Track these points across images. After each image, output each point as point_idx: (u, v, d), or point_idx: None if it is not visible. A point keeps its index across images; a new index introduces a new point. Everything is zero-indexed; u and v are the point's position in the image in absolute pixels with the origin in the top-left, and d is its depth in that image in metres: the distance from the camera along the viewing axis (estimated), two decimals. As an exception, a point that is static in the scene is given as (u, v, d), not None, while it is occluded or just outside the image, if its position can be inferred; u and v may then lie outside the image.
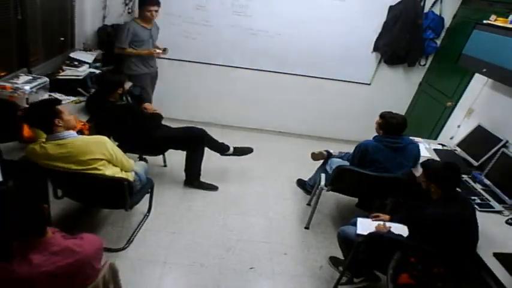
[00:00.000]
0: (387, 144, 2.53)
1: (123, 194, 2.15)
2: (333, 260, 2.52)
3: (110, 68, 3.44)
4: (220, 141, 3.23)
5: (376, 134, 2.65)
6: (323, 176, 2.82)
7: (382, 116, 2.58)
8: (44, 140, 1.99)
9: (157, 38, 3.64)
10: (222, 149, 3.23)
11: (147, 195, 2.57)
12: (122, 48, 3.37)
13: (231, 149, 3.25)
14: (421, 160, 2.54)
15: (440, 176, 1.91)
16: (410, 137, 2.72)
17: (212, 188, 3.22)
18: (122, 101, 2.86)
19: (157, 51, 3.48)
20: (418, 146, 2.68)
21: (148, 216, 2.73)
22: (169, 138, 2.99)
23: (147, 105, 3.13)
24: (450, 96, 3.60)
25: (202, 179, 3.20)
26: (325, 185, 2.73)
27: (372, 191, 2.74)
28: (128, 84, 3.11)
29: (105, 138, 2.08)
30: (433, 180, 1.93)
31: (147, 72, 3.62)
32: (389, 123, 2.53)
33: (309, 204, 3.17)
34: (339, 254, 2.44)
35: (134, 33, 3.33)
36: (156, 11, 3.36)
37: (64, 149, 1.94)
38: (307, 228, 2.89)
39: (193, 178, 3.17)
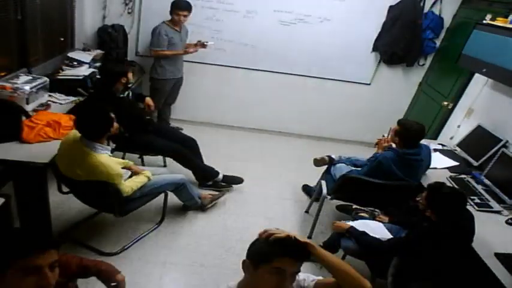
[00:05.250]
0: (406, 158, 2.36)
1: (109, 198, 2.09)
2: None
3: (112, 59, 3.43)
4: (209, 165, 3.09)
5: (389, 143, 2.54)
6: (323, 183, 2.76)
7: (401, 123, 2.42)
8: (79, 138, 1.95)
9: (187, 40, 3.65)
10: (205, 177, 3.08)
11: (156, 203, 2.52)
12: (159, 51, 3.38)
13: (220, 176, 3.10)
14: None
15: (442, 205, 1.78)
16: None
17: (236, 181, 3.16)
18: (123, 93, 2.81)
19: (191, 50, 3.52)
20: (429, 153, 2.57)
21: (158, 227, 2.65)
22: (148, 148, 2.93)
23: (148, 99, 3.11)
24: (446, 96, 3.61)
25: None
26: (328, 194, 2.64)
27: (378, 198, 2.60)
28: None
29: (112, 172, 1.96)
30: (433, 207, 1.82)
31: (172, 78, 3.63)
32: (408, 131, 2.36)
33: (307, 212, 3.11)
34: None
35: (167, 34, 3.34)
36: (185, 16, 3.37)
37: (91, 161, 1.90)
38: (309, 238, 2.81)
39: (202, 179, 3.10)
